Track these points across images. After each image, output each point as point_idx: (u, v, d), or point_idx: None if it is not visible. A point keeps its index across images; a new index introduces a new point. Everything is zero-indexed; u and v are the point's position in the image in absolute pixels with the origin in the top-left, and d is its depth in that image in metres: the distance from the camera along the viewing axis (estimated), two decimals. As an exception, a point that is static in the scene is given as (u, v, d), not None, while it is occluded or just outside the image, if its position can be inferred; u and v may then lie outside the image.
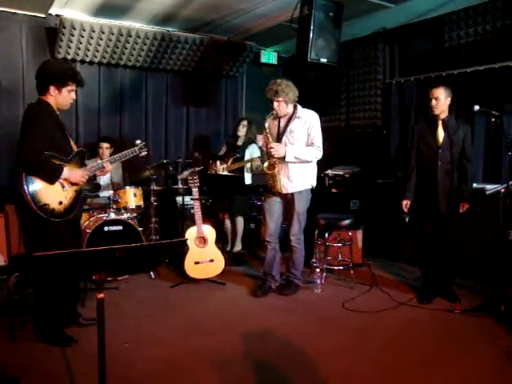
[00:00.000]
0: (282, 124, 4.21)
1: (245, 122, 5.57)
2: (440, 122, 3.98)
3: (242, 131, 5.54)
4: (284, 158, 4.06)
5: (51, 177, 3.08)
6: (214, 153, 6.04)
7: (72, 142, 3.33)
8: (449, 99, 3.94)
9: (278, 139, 4.19)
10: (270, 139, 4.10)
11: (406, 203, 4.15)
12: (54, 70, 3.16)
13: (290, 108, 4.17)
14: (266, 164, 4.15)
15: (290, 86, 4.10)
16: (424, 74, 5.48)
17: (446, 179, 3.93)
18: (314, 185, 4.28)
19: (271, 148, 4.06)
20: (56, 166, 3.10)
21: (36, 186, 3.04)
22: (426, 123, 4.14)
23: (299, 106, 4.22)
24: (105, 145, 5.26)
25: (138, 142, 3.90)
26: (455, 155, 3.92)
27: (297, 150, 4.09)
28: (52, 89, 3.12)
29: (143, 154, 3.81)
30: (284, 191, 4.17)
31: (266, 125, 4.13)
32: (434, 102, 3.91)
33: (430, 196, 3.97)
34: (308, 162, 4.16)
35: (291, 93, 4.08)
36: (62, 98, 3.17)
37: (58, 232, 3.14)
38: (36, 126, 3.02)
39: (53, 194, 3.10)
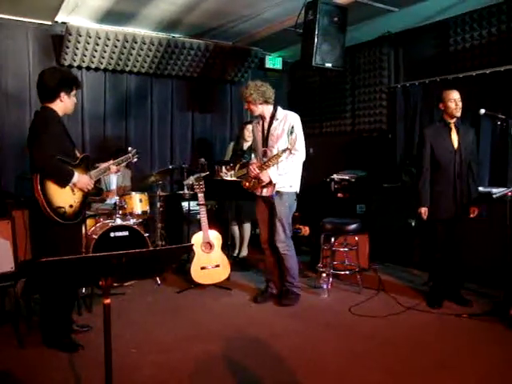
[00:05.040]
0: (266, 127, 4.16)
1: (249, 126, 5.55)
2: (453, 126, 3.96)
3: (249, 135, 5.50)
4: (271, 182, 4.02)
5: (64, 180, 3.15)
6: (219, 158, 6.04)
7: (75, 149, 3.40)
8: None
9: (265, 143, 4.13)
10: (256, 169, 4.07)
11: (425, 210, 3.97)
12: (61, 76, 3.22)
13: (266, 108, 4.11)
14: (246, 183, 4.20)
15: (257, 86, 4.05)
16: (429, 77, 5.47)
17: (461, 182, 3.93)
18: (297, 189, 4.16)
19: (255, 176, 4.05)
20: (68, 169, 3.18)
21: (50, 189, 3.10)
22: (438, 126, 4.06)
23: (279, 108, 4.17)
24: None
25: (130, 148, 4.04)
26: (467, 158, 3.95)
27: (278, 169, 4.01)
28: (62, 94, 3.19)
29: (135, 160, 3.97)
30: (264, 194, 4.12)
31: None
32: (460, 104, 3.89)
33: (447, 200, 3.92)
34: (296, 168, 4.09)
35: (255, 93, 4.02)
36: (70, 102, 3.27)
37: (66, 235, 3.18)
38: (47, 132, 3.07)
39: (65, 198, 3.17)
